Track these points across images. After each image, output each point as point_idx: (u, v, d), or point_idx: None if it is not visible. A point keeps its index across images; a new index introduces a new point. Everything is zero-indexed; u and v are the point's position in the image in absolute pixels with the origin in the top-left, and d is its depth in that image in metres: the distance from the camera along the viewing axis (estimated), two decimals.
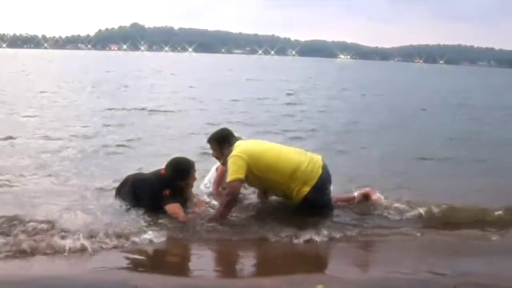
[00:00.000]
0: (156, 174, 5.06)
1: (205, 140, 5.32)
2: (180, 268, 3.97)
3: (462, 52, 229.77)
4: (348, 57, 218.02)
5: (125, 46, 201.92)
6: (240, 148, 4.91)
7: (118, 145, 8.59)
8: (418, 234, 4.70)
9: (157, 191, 4.87)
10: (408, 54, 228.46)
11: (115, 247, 4.13)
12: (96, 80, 25.55)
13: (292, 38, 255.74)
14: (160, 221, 4.66)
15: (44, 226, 4.31)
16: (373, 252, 4.45)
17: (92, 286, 3.50)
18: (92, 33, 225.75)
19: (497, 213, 5.21)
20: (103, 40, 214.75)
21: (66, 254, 3.92)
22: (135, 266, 3.85)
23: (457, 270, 3.94)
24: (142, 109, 14.21)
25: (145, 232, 4.37)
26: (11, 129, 9.46)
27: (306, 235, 4.47)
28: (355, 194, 5.39)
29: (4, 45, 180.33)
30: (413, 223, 4.98)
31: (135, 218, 4.72)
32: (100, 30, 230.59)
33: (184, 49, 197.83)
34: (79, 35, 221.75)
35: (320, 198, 4.96)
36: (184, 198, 5.05)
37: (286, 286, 3.57)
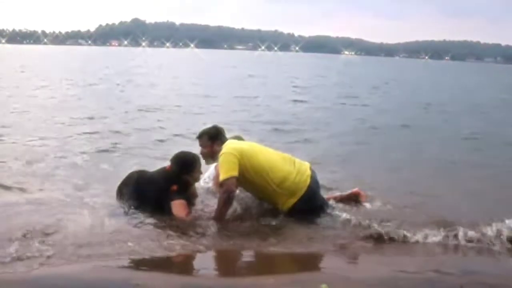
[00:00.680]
0: (161, 171, 5.06)
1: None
2: (182, 266, 3.98)
3: (468, 48, 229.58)
4: (353, 53, 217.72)
5: (126, 42, 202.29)
6: (231, 145, 4.90)
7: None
8: (423, 234, 4.67)
9: (163, 188, 4.86)
10: (414, 50, 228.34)
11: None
12: (98, 78, 25.60)
13: (296, 34, 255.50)
14: (164, 223, 4.66)
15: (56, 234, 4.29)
16: (377, 251, 4.40)
17: (93, 285, 3.50)
18: (92, 29, 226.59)
19: None
20: (104, 36, 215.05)
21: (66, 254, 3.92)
22: (137, 264, 3.85)
23: (463, 269, 3.94)
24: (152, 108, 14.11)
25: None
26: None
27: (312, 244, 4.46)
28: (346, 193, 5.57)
29: (3, 41, 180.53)
30: (417, 223, 4.95)
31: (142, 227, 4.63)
32: (100, 26, 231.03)
33: (186, 45, 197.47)
34: (79, 31, 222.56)
35: (308, 208, 4.93)
36: (189, 194, 5.07)
37: (289, 285, 3.57)
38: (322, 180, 5.34)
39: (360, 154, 8.85)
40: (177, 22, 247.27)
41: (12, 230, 4.27)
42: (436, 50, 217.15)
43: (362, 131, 11.58)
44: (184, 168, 4.96)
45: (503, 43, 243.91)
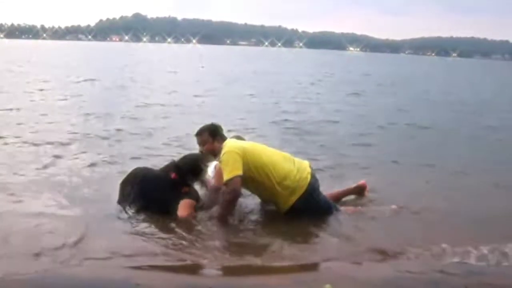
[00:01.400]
0: (167, 178, 4.96)
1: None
2: (184, 266, 3.94)
3: (475, 45, 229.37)
4: (358, 49, 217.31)
5: (126, 37, 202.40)
6: (233, 144, 4.90)
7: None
8: (427, 233, 4.71)
9: (169, 196, 4.86)
10: (420, 46, 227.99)
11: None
12: (103, 74, 25.36)
13: (300, 30, 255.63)
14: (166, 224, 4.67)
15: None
16: (381, 251, 4.36)
17: (93, 284, 3.51)
18: (92, 24, 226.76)
19: None
20: (104, 31, 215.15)
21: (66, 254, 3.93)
22: (137, 264, 3.85)
23: (468, 270, 3.93)
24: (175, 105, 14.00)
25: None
26: None
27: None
28: (352, 186, 5.66)
29: (2, 36, 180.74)
30: (423, 223, 5.03)
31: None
32: (101, 20, 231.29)
33: (188, 41, 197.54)
34: (79, 26, 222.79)
35: (309, 206, 4.96)
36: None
37: (293, 285, 3.59)
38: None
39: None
40: (179, 17, 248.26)
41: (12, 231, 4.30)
42: (442, 47, 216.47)
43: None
44: (190, 176, 4.97)
45: (511, 40, 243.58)
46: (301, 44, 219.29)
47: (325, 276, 3.75)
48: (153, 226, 4.57)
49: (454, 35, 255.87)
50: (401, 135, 10.85)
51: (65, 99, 14.28)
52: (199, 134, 5.10)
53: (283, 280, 3.66)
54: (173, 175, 4.92)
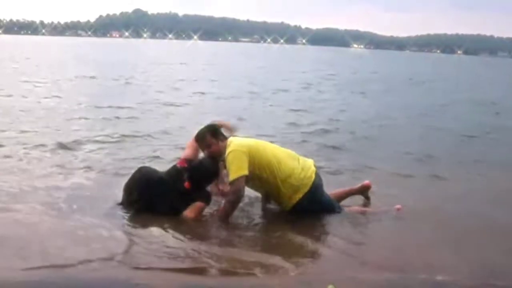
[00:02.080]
0: (179, 184, 4.87)
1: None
2: (184, 266, 3.94)
3: (481, 42, 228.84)
4: (362, 46, 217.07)
5: (127, 33, 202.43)
6: (238, 142, 4.89)
7: None
8: (433, 234, 4.73)
9: (183, 199, 4.83)
10: (425, 44, 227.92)
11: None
12: (107, 70, 25.50)
13: (303, 26, 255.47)
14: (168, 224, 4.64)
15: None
16: (385, 251, 4.41)
17: (94, 284, 3.51)
18: (92, 19, 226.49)
19: None
20: (104, 27, 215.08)
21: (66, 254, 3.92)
22: (137, 264, 3.84)
23: (474, 271, 3.95)
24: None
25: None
26: None
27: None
28: (356, 186, 5.60)
29: (0, 31, 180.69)
30: (428, 224, 5.02)
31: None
32: (101, 16, 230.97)
33: (189, 37, 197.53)
34: (79, 21, 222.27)
35: (313, 205, 4.99)
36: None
37: (296, 286, 3.60)
38: None
39: None
40: (180, 13, 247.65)
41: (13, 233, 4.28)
42: (448, 44, 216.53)
43: None
44: (204, 184, 4.94)
45: None
46: (304, 41, 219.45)
47: (328, 277, 3.73)
48: (153, 226, 4.55)
49: (460, 32, 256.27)
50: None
51: (59, 97, 14.12)
52: (200, 139, 5.04)
53: (285, 281, 3.67)
54: (186, 185, 4.84)
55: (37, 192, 5.41)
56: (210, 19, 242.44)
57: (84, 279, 3.57)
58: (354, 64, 50.02)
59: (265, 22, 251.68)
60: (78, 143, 7.92)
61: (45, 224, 4.51)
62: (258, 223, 4.95)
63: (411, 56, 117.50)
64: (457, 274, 3.84)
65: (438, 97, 19.27)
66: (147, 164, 6.01)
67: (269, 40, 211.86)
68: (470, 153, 8.72)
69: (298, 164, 5.01)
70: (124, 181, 5.19)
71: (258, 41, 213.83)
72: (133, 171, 5.26)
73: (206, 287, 3.56)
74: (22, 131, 8.63)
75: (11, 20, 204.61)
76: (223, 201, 4.98)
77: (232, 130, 5.30)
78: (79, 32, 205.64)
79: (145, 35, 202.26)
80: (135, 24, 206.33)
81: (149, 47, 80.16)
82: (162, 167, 5.52)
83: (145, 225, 4.57)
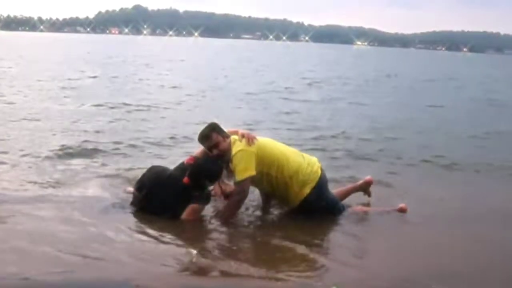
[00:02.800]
0: (179, 181, 4.81)
1: None
2: (184, 267, 3.93)
3: (487, 39, 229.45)
4: (366, 43, 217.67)
5: (126, 30, 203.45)
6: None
7: None
8: (438, 235, 4.76)
9: (182, 196, 4.78)
10: (430, 41, 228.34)
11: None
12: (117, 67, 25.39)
13: (306, 23, 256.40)
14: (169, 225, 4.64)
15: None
16: (390, 252, 4.41)
17: (93, 285, 3.55)
18: (91, 15, 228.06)
19: None
20: (103, 23, 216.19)
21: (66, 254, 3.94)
22: (137, 265, 3.85)
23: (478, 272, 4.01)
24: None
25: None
26: None
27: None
28: (358, 182, 5.60)
29: None
30: (434, 225, 5.04)
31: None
32: (100, 12, 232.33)
33: (190, 34, 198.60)
34: (77, 18, 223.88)
35: (319, 201, 4.98)
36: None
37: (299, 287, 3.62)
38: None
39: None
40: (181, 10, 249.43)
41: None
42: (454, 41, 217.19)
43: None
44: (204, 181, 4.83)
45: None
46: (307, 38, 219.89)
47: (332, 278, 3.77)
48: (153, 227, 4.55)
49: (466, 29, 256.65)
50: None
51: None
52: (206, 138, 4.87)
53: (288, 283, 3.66)
54: (185, 180, 4.76)
55: (38, 192, 5.41)
56: (211, 16, 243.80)
57: (84, 280, 3.58)
58: (366, 62, 49.97)
59: (267, 19, 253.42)
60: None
61: (46, 227, 4.51)
62: (259, 224, 4.94)
63: (418, 54, 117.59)
64: (459, 283, 3.85)
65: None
66: None
67: (271, 37, 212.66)
68: None
69: (304, 160, 5.02)
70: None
71: (260, 38, 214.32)
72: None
73: None
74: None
75: (8, 16, 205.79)
76: (222, 200, 5.03)
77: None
78: (78, 28, 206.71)
79: (145, 32, 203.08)
80: (135, 21, 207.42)
81: (145, 44, 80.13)
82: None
83: (145, 227, 4.58)
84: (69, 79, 17.84)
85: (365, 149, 8.39)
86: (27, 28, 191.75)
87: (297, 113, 12.34)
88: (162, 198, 4.78)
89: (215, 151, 4.83)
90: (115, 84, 17.03)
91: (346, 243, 4.53)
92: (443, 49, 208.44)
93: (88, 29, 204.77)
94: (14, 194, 5.25)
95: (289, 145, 5.34)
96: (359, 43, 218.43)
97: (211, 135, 4.82)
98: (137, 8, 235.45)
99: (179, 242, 4.31)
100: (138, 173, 5.42)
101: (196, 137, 4.96)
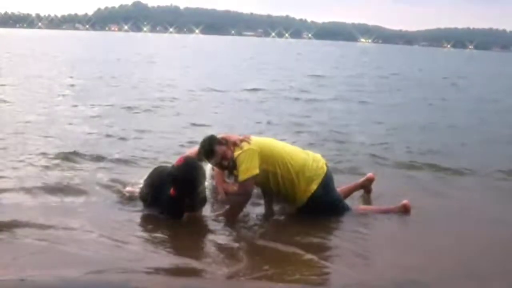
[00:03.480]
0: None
1: None
2: (184, 269, 3.93)
3: (493, 36, 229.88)
4: (369, 40, 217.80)
5: (126, 27, 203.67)
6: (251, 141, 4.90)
7: None
8: (441, 236, 4.78)
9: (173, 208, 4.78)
10: (435, 38, 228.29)
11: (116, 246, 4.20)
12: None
13: (309, 20, 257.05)
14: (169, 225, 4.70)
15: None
16: (393, 253, 4.39)
17: (92, 286, 3.60)
18: (90, 12, 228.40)
19: None
20: (103, 20, 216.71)
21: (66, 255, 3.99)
22: (136, 267, 3.86)
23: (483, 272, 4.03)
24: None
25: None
26: None
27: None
28: (360, 180, 5.70)
29: None
30: (436, 225, 5.06)
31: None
32: (99, 9, 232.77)
33: (191, 31, 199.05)
34: (76, 14, 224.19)
35: (327, 196, 5.03)
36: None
37: None
38: None
39: None
40: (182, 6, 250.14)
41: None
42: (459, 39, 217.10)
43: None
44: (188, 191, 4.70)
45: None
46: (310, 35, 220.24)
47: (335, 280, 3.85)
48: (153, 228, 4.62)
49: (471, 26, 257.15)
50: None
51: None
52: (212, 153, 4.83)
53: (289, 284, 3.69)
54: (172, 192, 4.70)
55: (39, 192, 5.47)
56: (212, 12, 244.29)
57: (84, 281, 3.61)
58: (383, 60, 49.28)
59: (269, 16, 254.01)
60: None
61: (44, 228, 4.50)
62: (261, 225, 4.97)
63: (423, 51, 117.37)
64: (462, 284, 3.89)
65: None
66: None
67: (273, 34, 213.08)
68: None
69: (308, 156, 5.09)
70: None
71: (262, 35, 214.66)
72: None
73: None
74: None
75: (6, 13, 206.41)
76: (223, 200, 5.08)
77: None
78: (77, 25, 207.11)
79: (145, 29, 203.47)
80: (134, 17, 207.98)
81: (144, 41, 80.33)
82: None
83: (144, 228, 4.65)
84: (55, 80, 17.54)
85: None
86: (25, 25, 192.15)
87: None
88: (162, 201, 4.83)
89: (225, 162, 4.84)
90: (112, 85, 16.80)
91: (349, 245, 4.52)
92: (448, 46, 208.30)
93: (87, 26, 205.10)
94: (13, 199, 5.24)
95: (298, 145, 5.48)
96: (363, 40, 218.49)
97: (216, 148, 4.82)
98: (137, 4, 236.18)
99: (179, 244, 4.37)
100: (138, 174, 5.63)
101: (193, 141, 5.05)
